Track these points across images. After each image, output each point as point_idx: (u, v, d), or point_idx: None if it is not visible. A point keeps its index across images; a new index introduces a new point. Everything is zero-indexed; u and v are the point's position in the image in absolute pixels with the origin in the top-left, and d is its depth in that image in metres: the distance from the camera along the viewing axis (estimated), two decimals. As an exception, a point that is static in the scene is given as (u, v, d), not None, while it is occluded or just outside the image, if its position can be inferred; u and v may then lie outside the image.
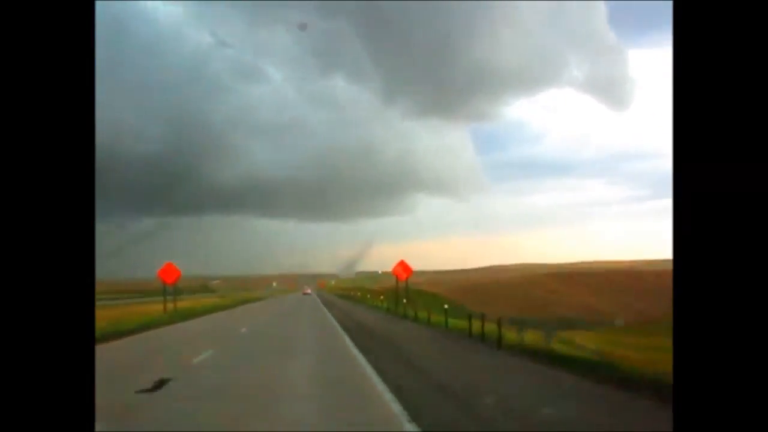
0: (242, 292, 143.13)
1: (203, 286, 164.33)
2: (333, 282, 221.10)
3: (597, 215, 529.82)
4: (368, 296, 77.17)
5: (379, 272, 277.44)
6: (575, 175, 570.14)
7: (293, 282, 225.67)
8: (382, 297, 61.93)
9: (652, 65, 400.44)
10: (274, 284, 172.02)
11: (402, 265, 44.75)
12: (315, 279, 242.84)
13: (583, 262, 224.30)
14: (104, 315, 29.94)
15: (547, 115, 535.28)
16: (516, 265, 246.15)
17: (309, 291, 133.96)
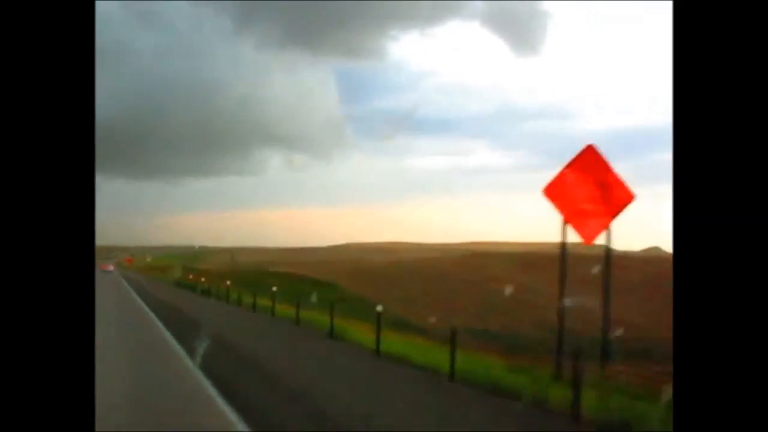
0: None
1: None
2: (149, 258, 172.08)
3: (482, 186, 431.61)
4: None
5: (196, 246, 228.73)
6: (458, 134, 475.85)
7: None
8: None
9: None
10: None
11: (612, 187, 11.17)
12: (122, 253, 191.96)
13: (471, 243, 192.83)
14: None
15: (438, 55, 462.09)
16: (385, 243, 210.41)
17: (111, 267, 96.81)
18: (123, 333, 19.21)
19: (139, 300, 38.08)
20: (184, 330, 18.63)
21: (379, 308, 15.22)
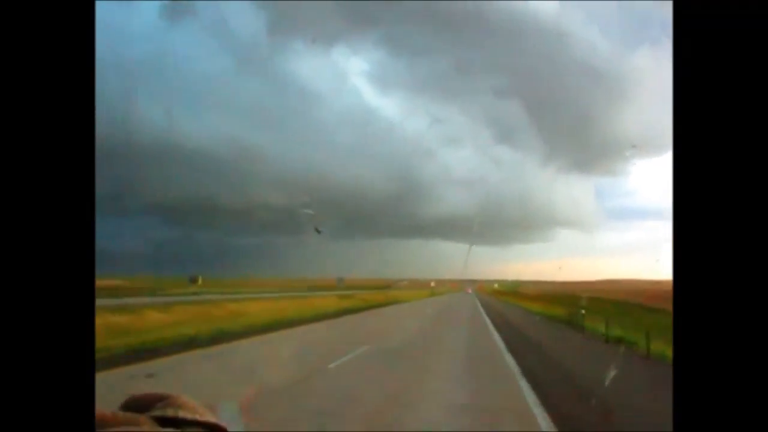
0: (411, 290, 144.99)
1: (386, 285, 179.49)
2: (496, 285, 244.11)
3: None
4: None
5: (509, 280, 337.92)
6: (648, 219, 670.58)
7: (459, 285, 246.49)
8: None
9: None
10: (432, 284, 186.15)
11: None
12: (475, 283, 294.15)
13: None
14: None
15: (654, 169, 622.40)
16: (623, 279, 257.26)
17: (469, 291, 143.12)
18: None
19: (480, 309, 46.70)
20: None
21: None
